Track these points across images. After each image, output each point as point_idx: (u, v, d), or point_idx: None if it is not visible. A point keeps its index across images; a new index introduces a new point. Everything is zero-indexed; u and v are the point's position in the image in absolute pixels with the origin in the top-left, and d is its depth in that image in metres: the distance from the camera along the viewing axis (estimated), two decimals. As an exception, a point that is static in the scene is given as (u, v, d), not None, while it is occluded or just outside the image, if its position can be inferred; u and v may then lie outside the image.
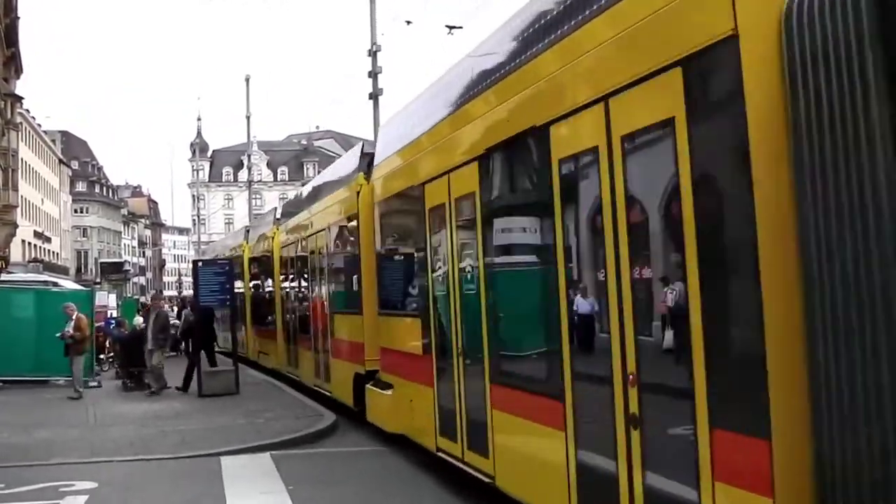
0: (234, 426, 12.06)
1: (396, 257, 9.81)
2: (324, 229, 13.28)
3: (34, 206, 64.57)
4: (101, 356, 21.46)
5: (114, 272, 57.64)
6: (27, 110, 60.48)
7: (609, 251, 4.81)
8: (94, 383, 18.08)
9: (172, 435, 11.47)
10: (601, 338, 5.01)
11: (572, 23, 5.27)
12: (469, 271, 7.11)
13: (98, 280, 57.08)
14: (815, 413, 3.54)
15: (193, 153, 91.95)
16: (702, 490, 4.00)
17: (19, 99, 50.10)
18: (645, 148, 4.64)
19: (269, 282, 19.13)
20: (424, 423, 8.46)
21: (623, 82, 4.61)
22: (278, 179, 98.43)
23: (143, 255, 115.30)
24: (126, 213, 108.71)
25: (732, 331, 3.99)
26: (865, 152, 3.28)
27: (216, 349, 17.76)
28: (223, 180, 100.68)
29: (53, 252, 72.52)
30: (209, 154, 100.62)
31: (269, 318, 18.91)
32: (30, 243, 62.41)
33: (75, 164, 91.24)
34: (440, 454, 8.04)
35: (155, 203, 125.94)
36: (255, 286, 21.89)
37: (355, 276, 11.36)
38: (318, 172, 55.71)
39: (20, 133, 52.81)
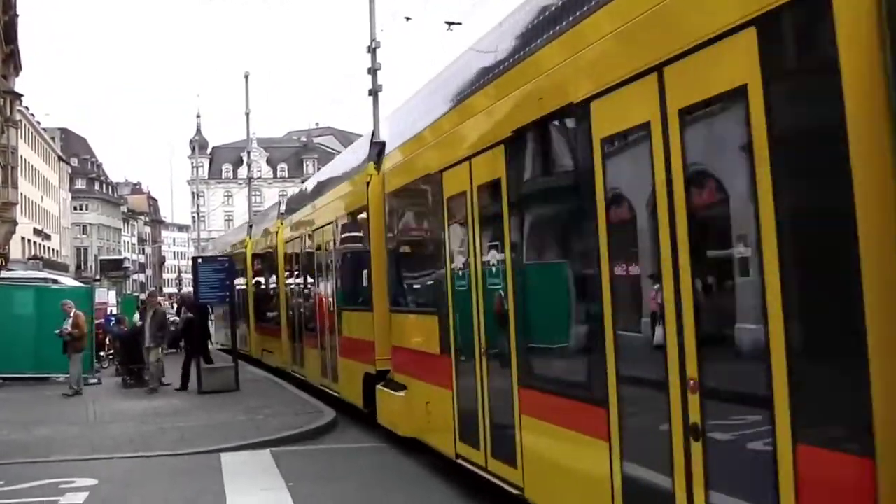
0: (234, 423, 11.98)
1: (410, 250, 9.26)
2: (331, 223, 12.70)
3: (34, 203, 64.53)
4: (101, 353, 21.40)
5: (113, 269, 57.35)
6: (26, 107, 60.38)
7: (664, 239, 4.26)
8: (94, 380, 17.98)
9: (172, 432, 11.41)
10: (654, 336, 4.46)
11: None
12: (494, 264, 6.55)
13: (98, 277, 56.75)
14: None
15: (193, 150, 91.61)
16: (783, 516, 3.45)
17: (19, 96, 50.06)
18: (709, 122, 4.09)
19: (273, 278, 18.56)
20: (442, 427, 7.92)
21: (682, 48, 4.05)
22: (278, 176, 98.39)
23: (143, 252, 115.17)
24: (126, 210, 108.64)
25: (826, 328, 3.40)
26: None
27: (209, 346, 17.77)
28: (223, 177, 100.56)
29: (53, 249, 72.45)
30: (209, 151, 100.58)
31: (274, 315, 18.37)
32: (29, 240, 62.40)
33: (75, 162, 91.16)
34: (460, 461, 7.50)
35: (154, 200, 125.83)
36: (259, 282, 21.31)
37: (365, 271, 10.80)
38: (318, 169, 55.36)
39: (19, 130, 52.81)
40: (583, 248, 5.22)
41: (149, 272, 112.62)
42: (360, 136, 20.54)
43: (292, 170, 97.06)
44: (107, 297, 30.47)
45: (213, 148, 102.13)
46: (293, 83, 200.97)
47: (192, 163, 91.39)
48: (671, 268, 4.21)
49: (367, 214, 10.55)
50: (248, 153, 50.33)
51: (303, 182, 30.38)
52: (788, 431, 3.43)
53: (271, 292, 19.07)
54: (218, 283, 16.28)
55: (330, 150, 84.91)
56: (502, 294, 6.37)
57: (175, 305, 27.87)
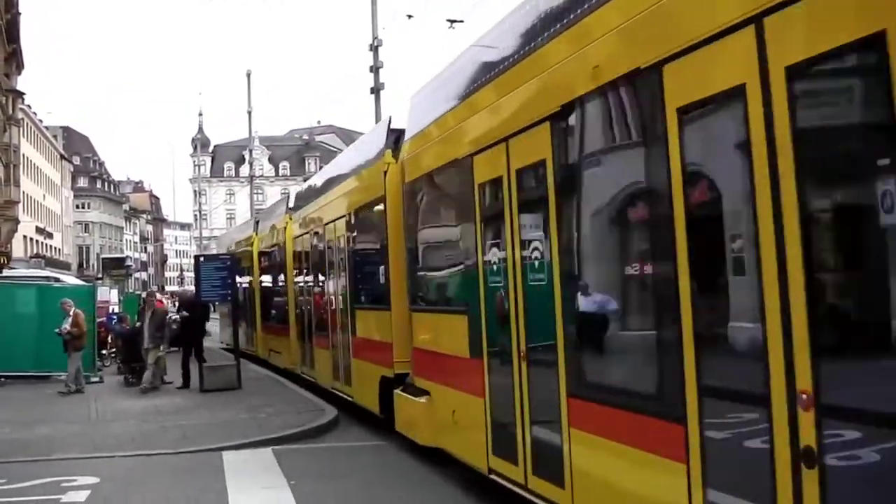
0: (236, 421, 11.91)
1: (434, 244, 8.52)
2: (343, 216, 11.94)
3: (36, 201, 64.43)
4: (104, 352, 21.33)
5: (115, 268, 56.71)
6: (28, 106, 60.21)
7: (765, 225, 3.54)
8: (96, 379, 17.84)
9: (174, 430, 11.35)
10: (749, 339, 3.75)
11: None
12: (537, 258, 5.82)
13: (100, 275, 56.15)
14: None
15: (195, 148, 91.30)
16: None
17: (21, 95, 49.95)
18: (829, 82, 3.37)
19: (282, 275, 17.81)
20: (471, 438, 7.19)
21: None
22: (280, 174, 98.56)
23: (145, 251, 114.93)
24: (128, 208, 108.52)
25: None
26: None
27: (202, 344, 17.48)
28: (225, 175, 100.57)
29: (55, 248, 72.29)
30: (210, 149, 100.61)
31: (282, 313, 17.64)
32: (31, 239, 62.32)
33: (77, 160, 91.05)
34: (493, 476, 6.77)
35: (157, 198, 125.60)
36: (266, 280, 20.56)
37: (382, 267, 10.06)
38: (320, 167, 54.89)
39: (22, 129, 52.79)
40: (652, 235, 4.50)
41: (151, 270, 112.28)
42: (363, 133, 20.14)
43: (294, 168, 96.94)
44: (109, 295, 30.01)
45: (215, 146, 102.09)
46: (295, 81, 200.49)
47: (194, 161, 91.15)
48: (773, 257, 3.50)
49: (385, 206, 9.81)
50: (250, 151, 49.95)
51: (305, 180, 29.67)
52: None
53: (279, 290, 18.34)
54: (220, 281, 16.28)
55: (332, 148, 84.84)
56: (547, 290, 5.66)
57: (176, 304, 27.41)
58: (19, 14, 45.03)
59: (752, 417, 3.75)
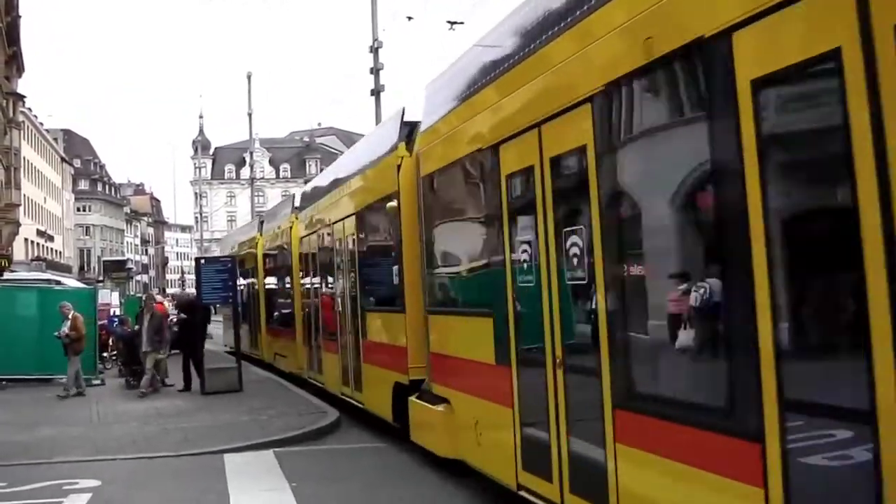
0: (238, 423, 11.92)
1: (454, 242, 7.98)
2: (352, 214, 11.38)
3: (37, 204, 64.27)
4: (105, 354, 21.41)
5: (116, 270, 56.37)
6: (29, 109, 60.02)
7: (867, 213, 3.02)
8: (97, 381, 17.83)
9: (175, 433, 11.36)
10: (852, 346, 3.22)
11: None
12: (576, 254, 5.28)
13: (101, 278, 55.80)
14: None
15: (195, 150, 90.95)
16: None
17: (21, 98, 49.79)
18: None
19: (287, 276, 17.25)
20: (497, 451, 6.65)
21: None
22: (280, 176, 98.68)
23: (146, 253, 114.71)
24: (129, 210, 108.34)
25: None
26: None
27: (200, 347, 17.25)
28: (225, 177, 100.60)
29: (56, 250, 72.10)
30: (211, 151, 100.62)
31: (288, 316, 17.10)
32: (33, 242, 62.17)
33: (77, 163, 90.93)
34: (522, 493, 6.23)
35: (157, 201, 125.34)
36: (271, 281, 19.99)
37: (395, 267, 9.51)
38: (321, 169, 54.45)
39: (22, 132, 52.66)
40: (719, 227, 3.97)
41: (152, 273, 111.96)
42: (363, 135, 19.79)
43: (295, 170, 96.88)
44: (110, 298, 29.66)
45: (216, 148, 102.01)
46: (295, 83, 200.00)
47: (195, 163, 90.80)
48: (876, 250, 2.98)
49: (398, 202, 9.27)
50: (251, 153, 49.55)
51: (305, 182, 29.19)
52: None
53: (285, 291, 17.78)
54: (221, 283, 16.27)
55: (332, 150, 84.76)
56: (587, 291, 5.12)
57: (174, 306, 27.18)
58: (19, 17, 44.80)
59: (848, 436, 3.23)
